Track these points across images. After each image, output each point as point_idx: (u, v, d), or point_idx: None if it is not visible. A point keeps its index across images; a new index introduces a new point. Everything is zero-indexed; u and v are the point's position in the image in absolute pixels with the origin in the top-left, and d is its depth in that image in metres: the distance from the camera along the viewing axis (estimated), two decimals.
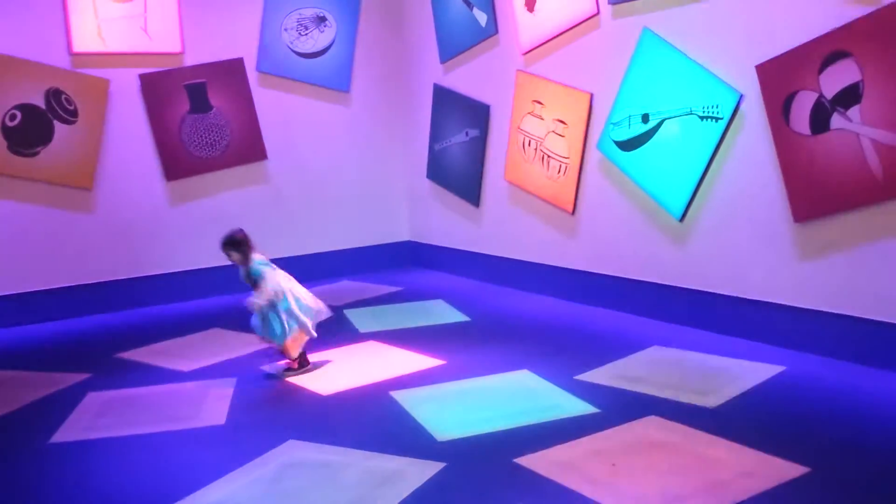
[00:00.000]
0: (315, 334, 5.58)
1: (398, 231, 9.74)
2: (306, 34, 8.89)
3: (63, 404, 5.22)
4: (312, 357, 5.81)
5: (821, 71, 5.08)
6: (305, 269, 8.94)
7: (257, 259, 5.63)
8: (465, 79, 8.49)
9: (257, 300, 5.49)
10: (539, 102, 7.42)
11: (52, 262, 7.75)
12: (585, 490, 3.63)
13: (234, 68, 8.50)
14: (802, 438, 4.12)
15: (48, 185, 7.68)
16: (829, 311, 5.34)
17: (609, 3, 6.58)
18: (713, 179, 5.96)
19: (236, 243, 5.62)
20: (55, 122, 7.64)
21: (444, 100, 8.81)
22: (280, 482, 3.90)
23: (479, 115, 8.30)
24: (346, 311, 7.44)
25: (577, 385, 5.08)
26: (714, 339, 5.97)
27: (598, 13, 6.72)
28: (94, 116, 7.83)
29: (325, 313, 5.73)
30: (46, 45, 7.58)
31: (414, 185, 9.56)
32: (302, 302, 5.58)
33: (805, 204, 5.31)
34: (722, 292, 6.04)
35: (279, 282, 5.56)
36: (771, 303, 5.70)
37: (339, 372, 5.63)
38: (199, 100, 8.34)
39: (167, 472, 4.10)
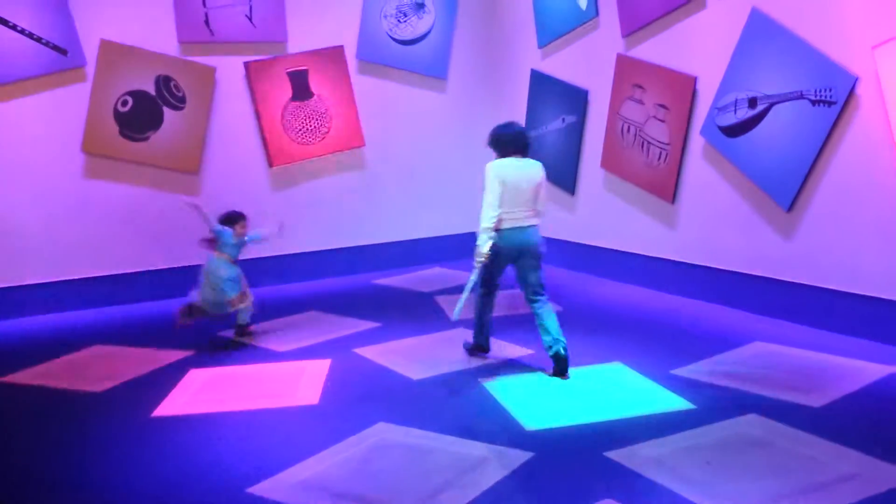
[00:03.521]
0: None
1: None
2: (405, 21, 8.93)
3: (166, 380, 5.44)
4: (402, 342, 5.85)
5: None
6: (399, 255, 9.07)
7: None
8: (564, 64, 8.34)
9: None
10: (640, 87, 7.22)
11: (158, 243, 8.09)
12: (678, 487, 3.51)
13: (334, 56, 8.63)
14: None
15: (157, 168, 8.01)
16: None
17: None
18: (825, 167, 5.65)
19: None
20: (164, 107, 7.95)
21: (542, 85, 8.69)
22: (369, 463, 3.94)
23: (576, 100, 8.15)
24: (437, 298, 7.47)
25: (673, 380, 4.93)
26: (821, 335, 5.68)
27: None
28: (202, 103, 8.10)
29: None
30: (156, 34, 7.89)
31: None
32: None
33: None
34: (831, 287, 5.74)
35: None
36: (884, 299, 5.37)
37: (430, 357, 5.65)
38: (301, 87, 8.51)
39: (261, 449, 4.21)
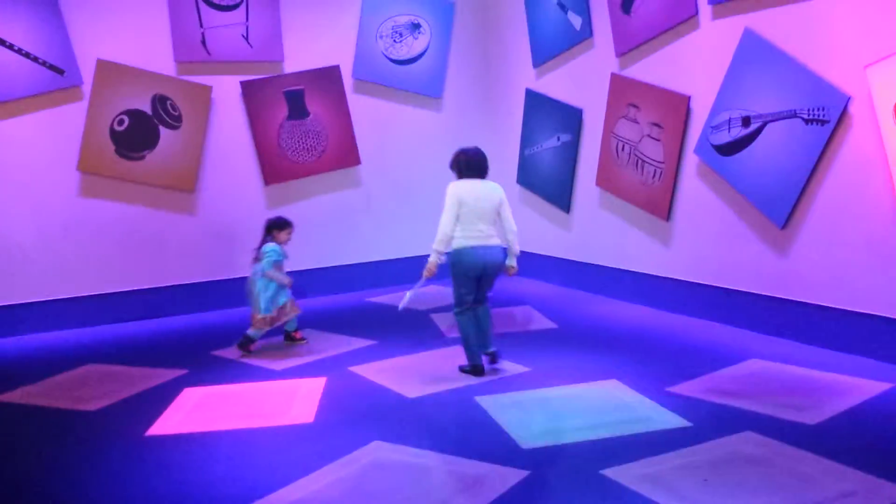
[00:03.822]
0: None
1: None
2: (401, 41, 8.99)
3: (160, 399, 5.42)
4: (397, 360, 5.84)
5: None
6: (395, 272, 9.06)
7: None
8: (558, 83, 8.40)
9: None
10: (634, 106, 7.26)
11: (153, 262, 8.09)
12: None
13: (330, 75, 8.67)
14: None
15: (153, 187, 8.02)
16: None
17: (709, 3, 6.38)
18: (818, 186, 5.68)
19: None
20: (161, 127, 7.97)
21: (536, 104, 8.74)
22: (364, 483, 3.92)
23: (571, 119, 8.19)
24: (432, 316, 7.46)
25: (669, 397, 4.92)
26: (817, 352, 5.69)
27: (696, 14, 6.53)
28: (198, 122, 8.13)
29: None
30: (153, 54, 7.94)
31: (504, 190, 9.49)
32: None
33: None
34: (826, 304, 5.75)
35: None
36: (879, 315, 5.38)
37: (425, 375, 5.63)
38: (297, 106, 8.55)
39: (256, 468, 4.18)
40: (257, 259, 6.46)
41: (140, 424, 4.91)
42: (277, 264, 6.43)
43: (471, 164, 5.49)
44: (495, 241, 5.45)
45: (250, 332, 6.47)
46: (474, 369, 5.57)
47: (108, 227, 7.89)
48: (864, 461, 3.84)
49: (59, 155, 7.68)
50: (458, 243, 5.34)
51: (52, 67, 7.51)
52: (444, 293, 8.49)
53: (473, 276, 5.43)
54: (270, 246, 6.44)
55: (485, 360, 5.65)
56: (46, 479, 4.20)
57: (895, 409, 4.53)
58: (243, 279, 8.37)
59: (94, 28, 7.69)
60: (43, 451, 4.60)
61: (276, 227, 6.54)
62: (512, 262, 5.65)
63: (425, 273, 5.48)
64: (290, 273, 6.61)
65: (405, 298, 5.75)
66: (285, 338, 6.76)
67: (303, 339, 6.76)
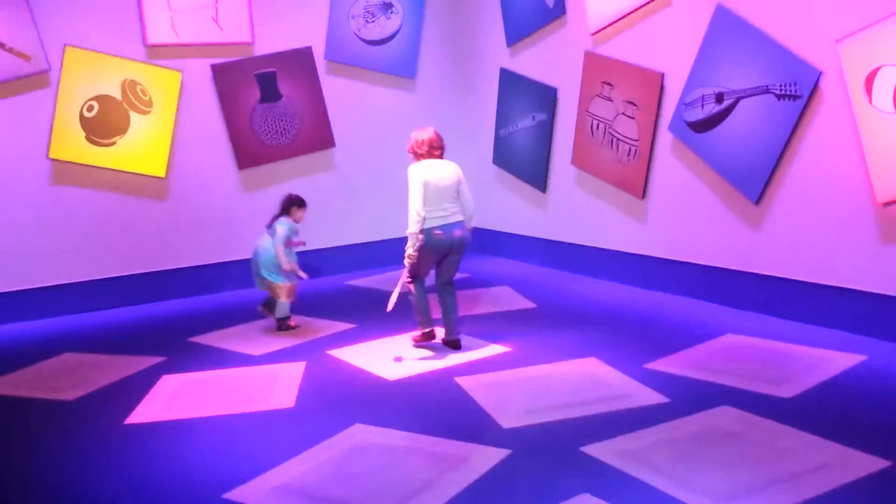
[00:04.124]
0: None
1: None
2: (373, 21, 8.91)
3: (138, 387, 5.38)
4: (377, 343, 5.86)
5: None
6: (371, 255, 9.04)
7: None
8: (532, 62, 8.38)
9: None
10: (608, 84, 7.27)
11: (127, 249, 7.99)
12: (653, 480, 3.55)
13: (302, 57, 8.58)
14: (884, 431, 3.94)
15: (124, 173, 7.91)
16: None
17: None
18: (791, 160, 5.73)
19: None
20: (131, 112, 7.85)
21: (511, 84, 8.72)
22: (346, 466, 3.93)
23: (546, 98, 8.18)
24: (411, 298, 7.44)
25: (647, 374, 4.98)
26: (791, 327, 5.77)
27: None
28: (168, 106, 8.01)
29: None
30: (122, 38, 7.79)
31: (480, 170, 9.50)
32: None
33: (888, 185, 5.06)
34: (800, 278, 5.83)
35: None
36: (852, 289, 5.47)
37: (405, 358, 5.64)
38: (269, 89, 8.45)
39: (237, 454, 4.18)
40: (270, 230, 6.44)
41: (119, 413, 4.88)
42: (289, 241, 6.44)
43: (432, 144, 5.64)
44: (459, 217, 5.57)
45: (280, 311, 6.55)
46: (427, 336, 5.76)
47: (80, 214, 7.77)
48: (838, 433, 3.91)
49: (28, 142, 7.53)
50: (426, 224, 5.44)
51: (18, 54, 7.35)
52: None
53: (439, 254, 5.57)
54: (285, 221, 6.44)
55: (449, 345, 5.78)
56: (25, 469, 4.17)
57: (869, 382, 4.62)
58: (218, 264, 8.38)
59: (61, 13, 7.52)
60: (19, 441, 4.56)
61: (296, 204, 6.57)
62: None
63: (407, 261, 5.50)
64: None
65: (392, 297, 5.64)
66: (263, 305, 6.71)
67: (296, 326, 6.67)
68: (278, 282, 6.44)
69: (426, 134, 5.68)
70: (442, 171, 5.53)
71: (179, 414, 4.82)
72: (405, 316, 6.79)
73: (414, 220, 5.39)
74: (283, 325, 6.59)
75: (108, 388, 5.42)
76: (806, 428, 3.99)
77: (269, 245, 6.41)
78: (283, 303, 6.53)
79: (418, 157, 5.65)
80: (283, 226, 6.40)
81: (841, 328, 5.57)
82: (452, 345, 5.75)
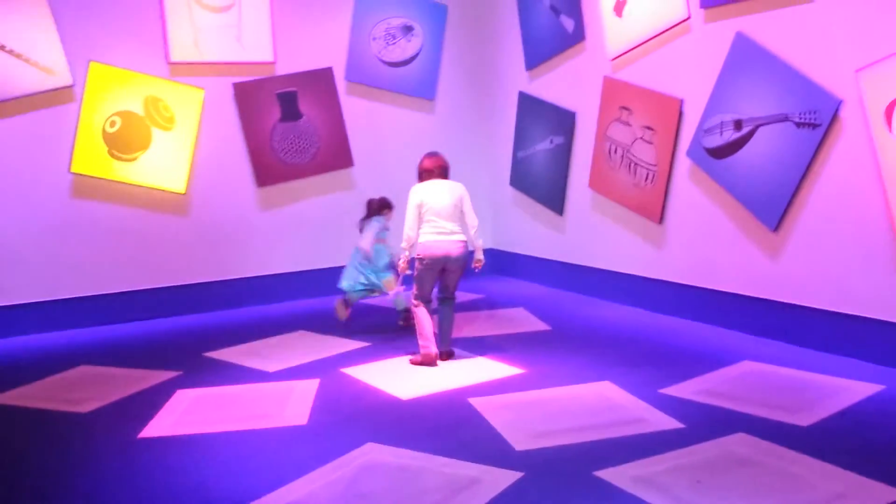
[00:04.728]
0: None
1: None
2: (394, 43, 8.99)
3: (153, 401, 5.40)
4: (391, 362, 5.88)
5: None
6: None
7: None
8: (551, 86, 8.42)
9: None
10: (626, 109, 7.29)
11: (145, 263, 8.06)
12: None
13: (323, 77, 8.67)
14: None
15: (145, 188, 8.00)
16: None
17: (701, 6, 6.41)
18: (810, 189, 5.71)
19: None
20: (153, 128, 7.95)
21: (529, 107, 8.76)
22: (357, 484, 3.91)
23: (564, 122, 8.21)
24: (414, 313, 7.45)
25: (662, 399, 4.94)
26: (809, 355, 5.72)
27: (689, 17, 6.56)
28: (190, 123, 8.11)
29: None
30: (146, 55, 7.92)
31: (497, 192, 9.54)
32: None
33: None
34: (818, 306, 5.78)
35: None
36: (870, 318, 5.41)
37: (419, 377, 5.64)
38: (289, 108, 8.54)
39: (249, 470, 4.18)
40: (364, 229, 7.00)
41: (133, 426, 4.90)
42: (380, 237, 6.91)
43: (433, 166, 6.02)
44: (459, 237, 5.84)
45: (398, 303, 7.19)
46: (426, 358, 5.90)
47: (100, 228, 7.86)
48: (855, 463, 3.86)
49: (51, 156, 7.64)
50: (422, 238, 5.81)
51: (43, 68, 7.48)
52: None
53: (436, 270, 5.84)
54: (379, 219, 6.98)
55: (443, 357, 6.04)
56: (39, 481, 4.18)
57: (886, 411, 4.56)
58: (235, 280, 8.42)
59: (86, 29, 7.66)
60: (33, 453, 4.58)
61: (387, 207, 7.10)
62: (478, 255, 6.04)
63: (399, 270, 6.08)
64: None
65: (398, 295, 6.67)
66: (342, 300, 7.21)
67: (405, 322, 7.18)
68: (385, 277, 6.90)
69: (429, 156, 6.11)
70: (440, 192, 5.85)
71: (193, 429, 4.83)
72: (415, 335, 6.80)
73: (403, 239, 5.86)
74: (408, 317, 7.04)
75: (122, 402, 5.44)
76: (822, 457, 3.94)
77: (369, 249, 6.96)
78: (399, 295, 7.08)
79: (420, 178, 6.04)
80: (378, 222, 6.94)
81: (859, 357, 5.51)
82: (446, 355, 5.99)
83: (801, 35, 5.67)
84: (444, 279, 5.93)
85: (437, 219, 5.77)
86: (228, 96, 8.31)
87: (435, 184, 5.91)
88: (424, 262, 5.79)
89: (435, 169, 5.99)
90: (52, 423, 5.10)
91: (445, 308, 6.03)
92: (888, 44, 5.05)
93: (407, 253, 5.87)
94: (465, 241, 5.86)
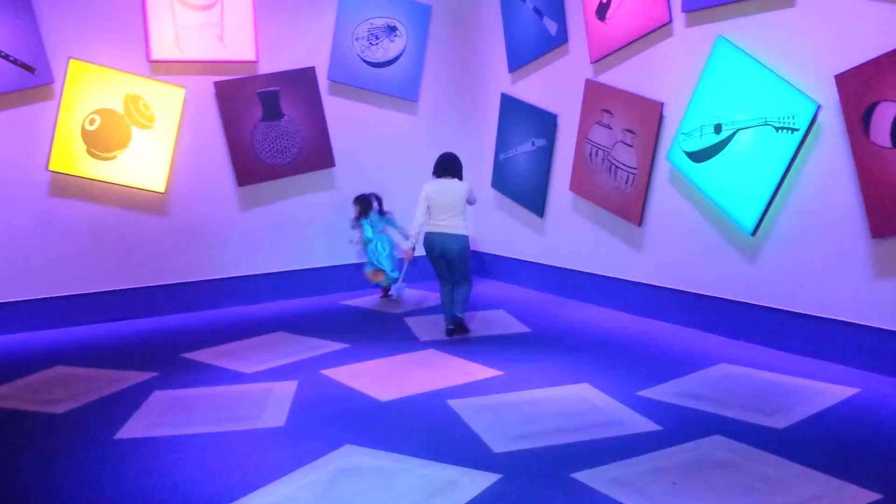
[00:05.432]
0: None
1: None
2: (377, 43, 8.98)
3: (129, 402, 5.35)
4: (370, 364, 5.85)
5: None
6: None
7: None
8: (533, 88, 8.44)
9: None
10: (608, 112, 7.32)
11: (123, 263, 7.99)
12: None
13: (305, 77, 8.63)
14: (875, 464, 3.93)
15: (124, 187, 7.93)
16: None
17: (682, 11, 6.45)
18: (787, 193, 5.76)
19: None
20: (133, 126, 7.89)
21: (512, 109, 8.77)
22: (335, 486, 3.90)
23: (546, 124, 8.23)
24: (406, 319, 7.45)
25: (640, 401, 4.96)
26: (785, 358, 5.76)
27: (670, 21, 6.60)
28: (170, 122, 8.05)
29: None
30: (126, 53, 7.85)
31: (478, 193, 9.53)
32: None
33: (884, 219, 5.09)
34: (794, 310, 5.83)
35: None
36: (846, 322, 5.47)
37: (398, 379, 5.63)
38: (271, 108, 8.50)
39: (226, 472, 4.15)
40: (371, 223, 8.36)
41: (109, 427, 4.85)
42: (377, 229, 8.42)
43: (442, 165, 6.75)
44: (458, 230, 6.58)
45: (388, 287, 8.42)
46: (449, 329, 6.76)
47: (77, 227, 7.78)
48: (830, 465, 3.90)
49: (29, 154, 7.56)
50: (425, 230, 6.66)
51: (22, 65, 7.40)
52: (418, 296, 8.50)
53: (437, 257, 6.63)
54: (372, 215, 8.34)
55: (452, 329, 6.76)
56: (13, 482, 4.13)
57: (861, 414, 4.61)
58: (214, 281, 8.37)
59: (67, 26, 7.59)
60: (7, 454, 4.53)
61: (369, 205, 8.49)
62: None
63: (405, 257, 7.07)
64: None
65: (399, 284, 7.83)
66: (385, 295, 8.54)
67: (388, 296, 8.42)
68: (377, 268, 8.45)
69: (441, 157, 6.81)
70: (444, 190, 6.61)
71: (169, 430, 4.79)
72: (400, 337, 6.80)
73: (413, 226, 6.72)
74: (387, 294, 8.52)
75: (98, 403, 5.39)
76: (798, 459, 3.98)
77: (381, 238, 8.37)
78: (401, 286, 8.00)
79: (434, 175, 6.78)
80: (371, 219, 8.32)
81: (834, 360, 5.57)
82: (457, 327, 6.76)
83: (780, 40, 5.72)
84: (448, 266, 6.65)
85: (439, 213, 6.56)
86: (210, 95, 8.26)
87: (441, 182, 6.67)
88: (426, 251, 6.67)
89: (447, 168, 6.72)
90: (27, 423, 5.04)
91: (456, 289, 6.77)
92: (866, 49, 5.11)
93: (413, 241, 6.77)
94: (463, 235, 6.59)
